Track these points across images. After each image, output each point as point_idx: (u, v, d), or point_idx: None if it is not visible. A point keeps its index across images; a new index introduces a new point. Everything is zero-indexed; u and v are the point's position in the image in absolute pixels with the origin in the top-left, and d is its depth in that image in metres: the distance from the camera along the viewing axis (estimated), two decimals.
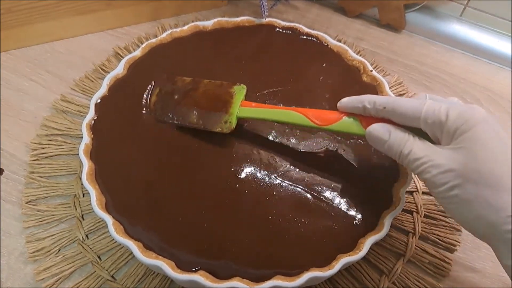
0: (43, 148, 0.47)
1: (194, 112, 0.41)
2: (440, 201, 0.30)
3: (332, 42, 0.49)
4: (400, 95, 0.55)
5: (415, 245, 0.43)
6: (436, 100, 0.32)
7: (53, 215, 0.43)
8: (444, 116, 0.29)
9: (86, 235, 0.42)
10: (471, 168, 0.28)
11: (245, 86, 0.41)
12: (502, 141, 0.28)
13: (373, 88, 0.45)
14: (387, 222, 0.36)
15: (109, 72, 0.46)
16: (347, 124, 0.35)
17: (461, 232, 0.44)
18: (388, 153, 0.32)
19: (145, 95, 0.43)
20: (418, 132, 0.31)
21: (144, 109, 0.43)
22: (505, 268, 0.29)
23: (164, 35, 0.48)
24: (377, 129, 0.33)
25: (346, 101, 0.35)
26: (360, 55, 0.51)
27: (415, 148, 0.30)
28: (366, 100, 0.33)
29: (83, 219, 0.43)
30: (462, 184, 0.28)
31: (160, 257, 0.34)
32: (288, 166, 0.39)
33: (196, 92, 0.42)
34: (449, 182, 0.28)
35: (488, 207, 0.27)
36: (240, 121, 0.41)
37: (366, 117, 0.34)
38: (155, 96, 0.43)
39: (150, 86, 0.44)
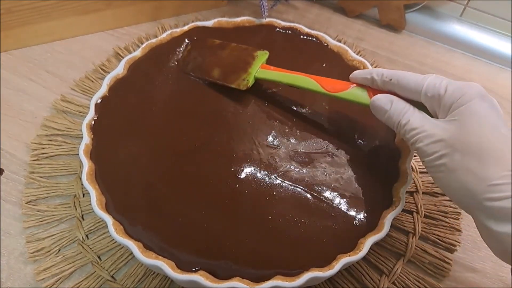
0: (43, 148, 0.47)
1: (217, 68, 0.44)
2: (429, 170, 0.32)
3: (332, 42, 0.49)
4: None
5: (415, 245, 0.43)
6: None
7: (53, 215, 0.43)
8: (443, 90, 0.31)
9: (86, 235, 0.42)
10: (460, 139, 0.29)
11: (267, 52, 0.45)
12: (493, 116, 0.29)
13: None
14: (387, 222, 0.36)
15: (109, 72, 0.46)
16: (355, 93, 0.37)
17: (461, 232, 0.44)
18: (388, 123, 0.35)
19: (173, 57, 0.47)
20: (420, 107, 0.33)
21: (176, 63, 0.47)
22: (483, 238, 0.30)
23: (164, 35, 0.48)
24: (380, 99, 0.35)
25: (357, 72, 0.38)
26: (360, 55, 0.51)
27: (412, 118, 0.32)
28: (375, 72, 0.36)
29: (83, 219, 0.43)
30: (450, 153, 0.29)
31: (160, 257, 0.34)
32: (288, 166, 0.39)
33: (222, 52, 0.46)
34: (439, 152, 0.30)
35: (472, 176, 0.28)
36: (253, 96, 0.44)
37: (373, 89, 0.36)
38: (186, 52, 0.47)
39: (183, 45, 0.48)
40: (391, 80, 0.34)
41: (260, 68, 0.43)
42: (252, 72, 0.43)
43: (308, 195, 0.38)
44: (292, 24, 0.51)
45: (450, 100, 0.30)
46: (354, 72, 0.38)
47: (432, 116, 0.32)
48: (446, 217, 0.45)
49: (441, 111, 0.31)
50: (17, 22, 0.52)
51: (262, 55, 0.44)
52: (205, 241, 0.35)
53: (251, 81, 0.43)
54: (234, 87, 0.43)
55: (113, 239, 0.39)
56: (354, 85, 0.38)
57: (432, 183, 0.47)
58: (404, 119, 0.33)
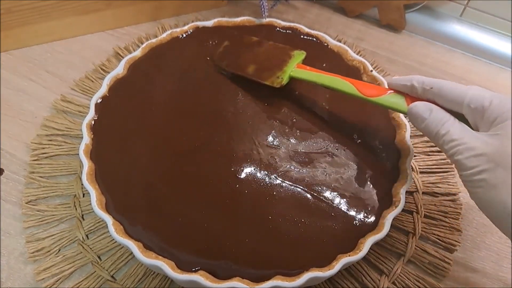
0: (43, 148, 0.47)
1: (252, 65, 0.44)
2: (466, 184, 0.30)
3: (332, 42, 0.49)
4: None
5: (415, 245, 0.43)
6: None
7: (53, 215, 0.43)
8: (488, 102, 0.30)
9: (86, 235, 0.42)
10: (504, 154, 0.28)
11: (304, 52, 0.44)
12: None
13: None
14: (387, 222, 0.36)
15: (109, 72, 0.46)
16: (392, 99, 0.36)
17: (461, 232, 0.44)
18: (425, 131, 0.33)
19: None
20: (460, 119, 0.32)
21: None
22: None
23: (164, 35, 0.48)
24: (419, 106, 0.33)
25: (396, 78, 0.36)
26: (360, 55, 0.51)
27: (452, 129, 0.31)
28: (415, 79, 0.34)
29: (83, 219, 0.43)
30: (492, 168, 0.28)
31: (160, 257, 0.34)
32: (288, 166, 0.39)
33: (259, 49, 0.46)
34: (479, 166, 0.29)
35: None
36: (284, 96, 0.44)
37: (411, 97, 0.35)
38: (222, 48, 0.48)
39: (226, 43, 0.48)
40: (432, 88, 0.33)
41: (296, 67, 0.43)
42: (287, 70, 0.43)
43: (308, 195, 0.38)
44: (292, 24, 0.51)
45: (494, 113, 0.29)
46: (393, 78, 0.37)
47: (472, 129, 0.31)
48: (446, 217, 0.45)
49: (483, 124, 0.30)
50: (17, 22, 0.52)
51: (299, 55, 0.44)
52: (205, 241, 0.35)
53: (285, 80, 0.42)
54: (268, 84, 0.43)
55: (113, 239, 0.39)
56: (392, 91, 0.37)
57: (432, 183, 0.47)
58: (444, 129, 0.31)
